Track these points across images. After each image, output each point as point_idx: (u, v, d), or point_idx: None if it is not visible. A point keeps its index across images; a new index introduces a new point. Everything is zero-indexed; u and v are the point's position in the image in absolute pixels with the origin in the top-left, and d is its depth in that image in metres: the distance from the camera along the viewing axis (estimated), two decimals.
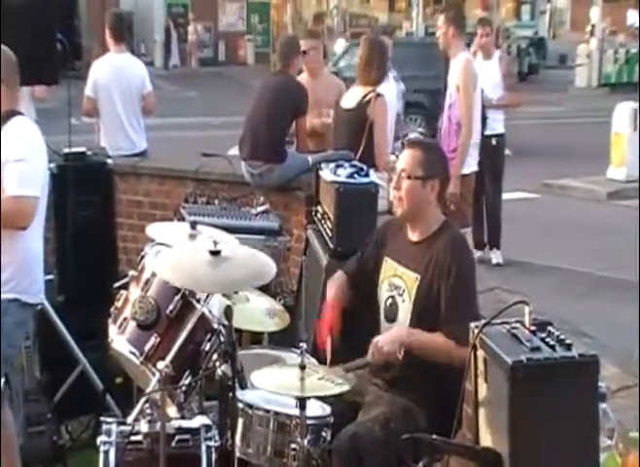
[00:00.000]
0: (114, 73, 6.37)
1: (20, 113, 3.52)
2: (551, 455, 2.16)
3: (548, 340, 2.25)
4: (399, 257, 3.24)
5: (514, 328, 2.33)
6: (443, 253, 3.09)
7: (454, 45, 6.06)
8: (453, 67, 6.11)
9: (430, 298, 3.09)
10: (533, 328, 2.31)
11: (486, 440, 2.34)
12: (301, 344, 2.87)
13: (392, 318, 3.22)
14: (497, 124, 7.44)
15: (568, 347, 2.20)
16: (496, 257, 7.74)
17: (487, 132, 7.01)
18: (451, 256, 3.08)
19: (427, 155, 3.19)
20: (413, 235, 3.24)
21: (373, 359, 3.06)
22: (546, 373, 2.15)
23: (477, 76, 6.18)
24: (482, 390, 2.36)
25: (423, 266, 3.13)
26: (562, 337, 2.24)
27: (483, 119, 6.63)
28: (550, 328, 2.31)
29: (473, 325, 2.38)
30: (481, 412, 2.39)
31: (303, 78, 5.88)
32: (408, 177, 3.15)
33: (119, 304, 3.05)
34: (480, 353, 2.34)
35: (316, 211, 4.35)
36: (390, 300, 3.23)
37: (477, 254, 7.66)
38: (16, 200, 3.29)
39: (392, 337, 3.07)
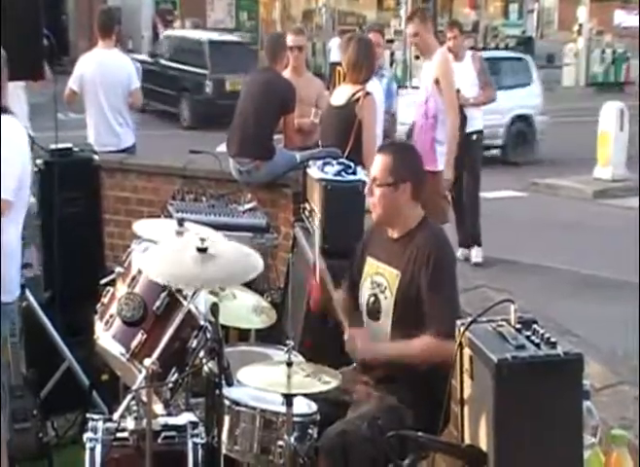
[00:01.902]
0: (100, 69, 6.35)
1: (6, 110, 3.50)
2: (536, 453, 2.17)
3: (533, 338, 2.26)
4: (380, 254, 3.26)
5: (499, 326, 2.34)
6: (422, 247, 3.12)
7: (431, 45, 6.10)
8: (429, 64, 6.12)
9: (411, 293, 3.11)
10: (518, 326, 2.33)
11: (472, 437, 2.35)
12: (287, 342, 2.87)
13: (375, 316, 3.23)
14: (476, 121, 7.61)
15: (553, 345, 2.22)
16: (476, 255, 7.75)
17: (468, 130, 7.16)
18: (430, 249, 3.10)
19: (396, 159, 3.20)
20: (393, 233, 3.25)
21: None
22: (530, 371, 2.17)
23: (453, 69, 6.24)
24: (468, 388, 2.38)
25: (404, 262, 3.14)
26: (547, 335, 2.26)
27: (464, 118, 6.72)
28: (535, 326, 2.32)
29: (459, 323, 2.39)
30: (467, 409, 2.40)
31: (287, 75, 5.89)
32: (379, 185, 3.18)
33: (105, 300, 3.05)
34: (466, 351, 2.35)
35: (304, 208, 4.36)
36: (372, 298, 3.24)
37: (462, 252, 7.69)
38: None
39: (368, 348, 3.16)
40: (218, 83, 15.69)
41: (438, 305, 3.04)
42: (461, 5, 28.96)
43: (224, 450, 2.86)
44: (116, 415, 2.81)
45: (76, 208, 4.44)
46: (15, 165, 3.40)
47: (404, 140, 4.99)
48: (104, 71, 6.35)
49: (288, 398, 2.74)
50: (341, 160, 4.27)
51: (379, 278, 3.22)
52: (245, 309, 3.49)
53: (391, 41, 22.98)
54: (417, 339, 3.06)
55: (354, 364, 3.27)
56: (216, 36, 17.69)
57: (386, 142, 4.91)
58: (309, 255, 3.96)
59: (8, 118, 3.47)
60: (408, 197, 3.18)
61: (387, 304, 3.18)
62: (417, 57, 23.09)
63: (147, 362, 2.73)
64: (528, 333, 2.29)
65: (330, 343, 3.39)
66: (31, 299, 3.98)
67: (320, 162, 4.18)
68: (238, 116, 5.57)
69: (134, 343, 2.86)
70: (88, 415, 2.86)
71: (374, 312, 3.23)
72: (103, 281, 3.19)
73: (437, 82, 5.97)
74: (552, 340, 2.23)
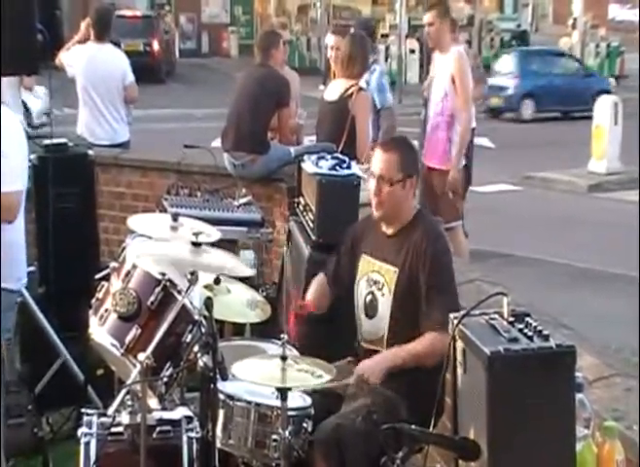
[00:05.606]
0: (90, 64, 6.34)
1: (4, 103, 3.52)
2: (529, 445, 2.18)
3: (525, 330, 2.26)
4: (375, 252, 3.26)
5: (492, 319, 2.34)
6: (419, 241, 3.12)
7: (446, 39, 6.06)
8: (444, 61, 6.08)
9: (410, 289, 3.11)
10: (511, 319, 2.33)
11: (465, 430, 2.36)
12: (282, 336, 2.88)
13: (372, 314, 3.23)
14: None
15: (546, 338, 2.22)
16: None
17: None
18: (426, 242, 3.11)
19: (402, 155, 3.20)
20: (388, 229, 3.25)
21: (355, 386, 3.07)
22: (523, 363, 2.17)
23: (469, 68, 6.21)
24: (461, 380, 2.38)
25: (400, 258, 3.15)
26: (540, 327, 2.26)
27: None
28: (528, 319, 2.32)
29: (452, 316, 2.40)
30: (460, 402, 2.40)
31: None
32: (390, 184, 3.16)
33: (100, 295, 3.04)
34: (459, 344, 2.36)
35: (298, 203, 4.36)
36: (370, 296, 3.24)
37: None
38: (4, 197, 3.33)
39: (374, 367, 3.07)
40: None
41: (438, 300, 3.03)
42: None
43: (218, 445, 2.87)
44: (110, 410, 2.81)
45: (70, 203, 4.44)
46: (18, 155, 3.44)
47: (401, 135, 4.94)
48: (96, 66, 6.34)
49: (282, 392, 2.75)
50: (336, 154, 4.27)
51: (376, 276, 3.22)
52: (240, 304, 3.49)
53: (386, 35, 22.97)
54: (421, 338, 3.06)
55: (348, 358, 3.28)
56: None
57: (386, 138, 4.89)
58: (304, 250, 3.97)
59: (6, 109, 3.50)
60: (413, 191, 3.21)
61: (385, 300, 3.18)
62: (412, 51, 23.10)
63: (141, 357, 2.74)
64: (521, 326, 2.29)
65: (323, 338, 3.40)
66: (26, 294, 3.98)
67: (314, 157, 4.18)
68: (233, 112, 5.56)
69: (129, 338, 2.86)
70: (82, 410, 2.87)
71: (371, 310, 3.23)
72: (98, 276, 3.20)
73: (452, 80, 5.93)
74: (545, 332, 2.24)
